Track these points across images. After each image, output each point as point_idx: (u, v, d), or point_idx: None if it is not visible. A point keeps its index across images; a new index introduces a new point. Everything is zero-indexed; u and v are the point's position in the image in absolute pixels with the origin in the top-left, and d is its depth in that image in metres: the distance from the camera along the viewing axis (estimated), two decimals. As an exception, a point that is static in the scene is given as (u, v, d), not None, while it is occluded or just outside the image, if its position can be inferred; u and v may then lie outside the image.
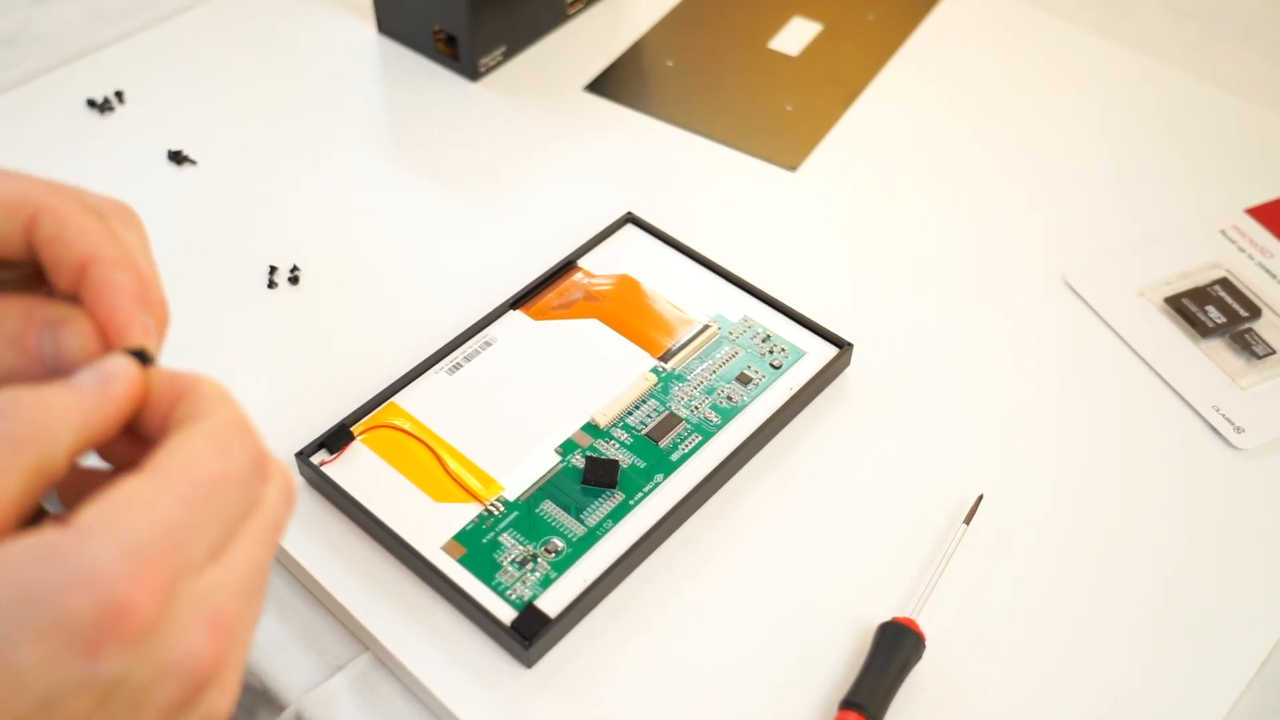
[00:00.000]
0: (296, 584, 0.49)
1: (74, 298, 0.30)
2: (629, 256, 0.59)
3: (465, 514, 0.48)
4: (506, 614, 0.45)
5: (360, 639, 0.47)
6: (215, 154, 0.65)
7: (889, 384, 0.55)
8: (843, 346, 0.55)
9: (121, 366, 0.28)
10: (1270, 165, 0.66)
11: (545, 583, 0.46)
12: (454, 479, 0.50)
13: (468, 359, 0.54)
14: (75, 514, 0.25)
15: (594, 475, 0.49)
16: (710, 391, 0.53)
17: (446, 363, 0.54)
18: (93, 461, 0.31)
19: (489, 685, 0.45)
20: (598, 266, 0.58)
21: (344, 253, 0.60)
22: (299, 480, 0.50)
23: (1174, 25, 0.76)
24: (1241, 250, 0.61)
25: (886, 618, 0.46)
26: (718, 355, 0.55)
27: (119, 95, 0.68)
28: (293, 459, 0.50)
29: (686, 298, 0.57)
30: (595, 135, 0.67)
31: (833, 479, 0.52)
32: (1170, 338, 0.57)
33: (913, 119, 0.69)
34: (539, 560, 0.47)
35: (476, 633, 0.46)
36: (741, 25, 0.75)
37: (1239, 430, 0.54)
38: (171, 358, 0.32)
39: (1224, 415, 0.54)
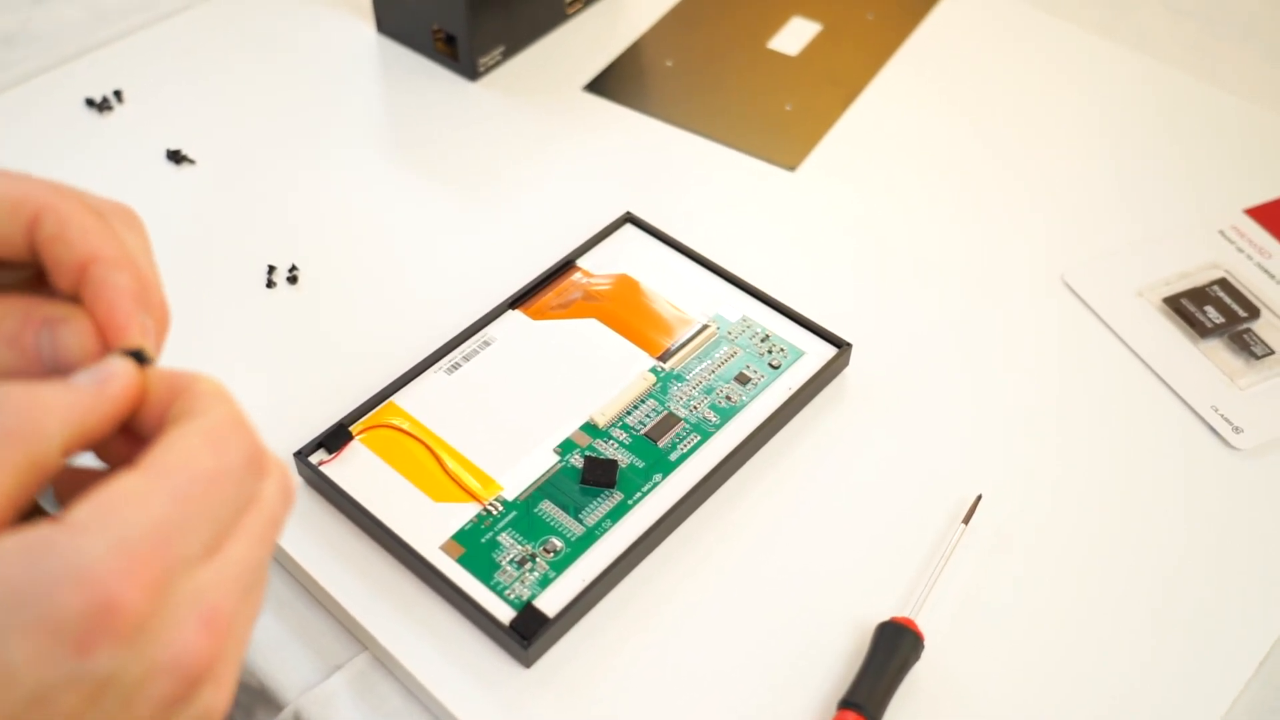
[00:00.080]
0: (295, 584, 0.49)
1: (75, 298, 0.30)
2: (628, 256, 0.59)
3: (464, 514, 0.48)
4: (505, 614, 0.45)
5: (359, 638, 0.47)
6: (214, 153, 0.65)
7: (888, 384, 0.55)
8: (841, 346, 0.55)
9: (118, 366, 0.28)
10: (1269, 166, 0.66)
11: (544, 582, 0.46)
12: (453, 479, 0.49)
13: (466, 359, 0.54)
14: (68, 510, 0.25)
15: (593, 475, 0.49)
16: (709, 391, 0.53)
17: (445, 362, 0.54)
18: (91, 462, 0.31)
19: (488, 685, 0.45)
20: (597, 266, 0.58)
21: (343, 252, 0.60)
22: (297, 480, 0.50)
23: (1174, 25, 0.76)
24: (1240, 250, 0.61)
25: (885, 617, 0.46)
26: (716, 355, 0.55)
27: (118, 95, 0.68)
28: (291, 458, 0.50)
29: (685, 297, 0.57)
30: (594, 135, 0.67)
31: (832, 479, 0.52)
32: (1169, 338, 0.57)
33: (912, 119, 0.69)
34: (538, 560, 0.47)
35: (475, 632, 0.46)
36: (741, 25, 0.75)
37: (1238, 430, 0.54)
38: (170, 357, 0.32)
39: (1223, 415, 0.54)
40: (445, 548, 0.47)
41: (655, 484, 0.50)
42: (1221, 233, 0.62)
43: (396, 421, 0.51)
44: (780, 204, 0.64)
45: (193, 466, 0.27)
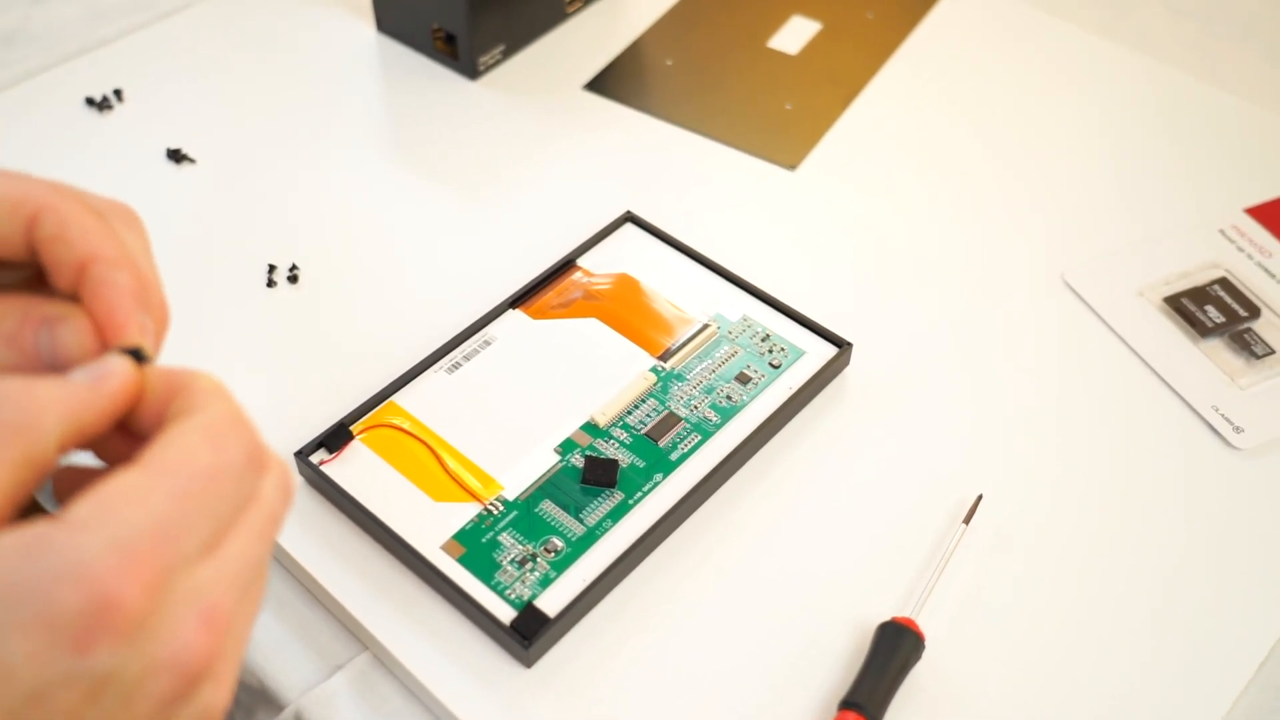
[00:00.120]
0: (296, 583, 0.49)
1: (74, 297, 0.30)
2: (628, 256, 0.59)
3: (464, 513, 0.48)
4: (506, 613, 0.45)
5: (359, 638, 0.47)
6: (214, 153, 0.65)
7: (888, 383, 0.55)
8: (842, 346, 0.55)
9: (116, 364, 0.28)
10: (1270, 165, 0.66)
11: (544, 582, 0.46)
12: (453, 478, 0.49)
13: (467, 358, 0.54)
14: (67, 508, 0.25)
15: (593, 475, 0.49)
16: (709, 391, 0.53)
17: (446, 362, 0.54)
18: (90, 461, 0.31)
19: (488, 685, 0.45)
20: (597, 266, 0.58)
21: (343, 252, 0.60)
22: (298, 479, 0.50)
23: (1174, 25, 0.76)
24: (1241, 250, 0.61)
25: (886, 617, 0.46)
26: (717, 354, 0.55)
27: (118, 93, 0.68)
28: (292, 458, 0.50)
29: (686, 297, 0.57)
30: (594, 134, 0.67)
31: (832, 478, 0.52)
32: (1169, 337, 0.57)
33: (912, 118, 0.69)
34: (538, 560, 0.47)
35: (476, 632, 0.46)
36: (741, 24, 0.75)
37: (1238, 430, 0.54)
38: (171, 356, 0.32)
39: (1223, 415, 0.54)
40: (446, 547, 0.47)
41: (656, 484, 0.50)
42: (1222, 232, 0.62)
43: (397, 421, 0.51)
44: (780, 203, 0.64)
45: (192, 463, 0.27)
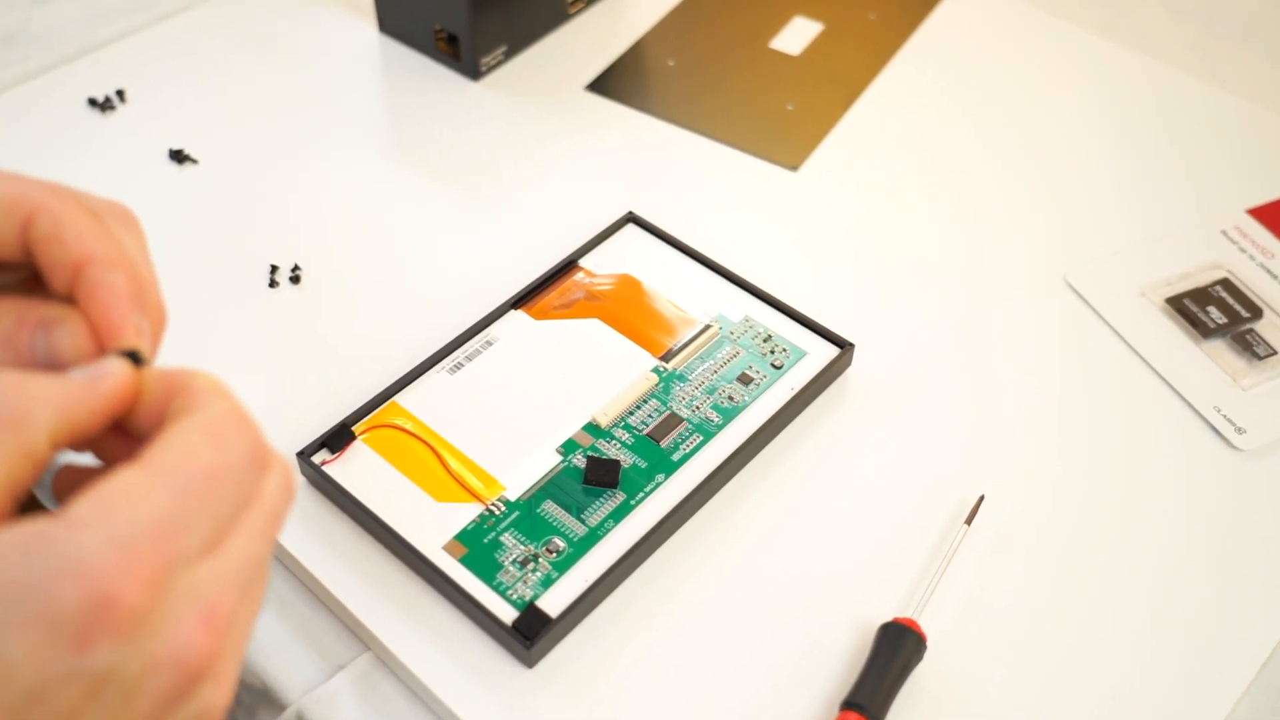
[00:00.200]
0: (298, 583, 0.49)
1: (70, 299, 0.30)
2: (630, 256, 0.59)
3: (466, 514, 0.48)
4: (508, 614, 0.45)
5: (361, 639, 0.47)
6: (216, 153, 0.65)
7: (890, 384, 0.55)
8: (844, 347, 0.55)
9: (113, 364, 0.28)
10: (1271, 166, 0.66)
11: (546, 583, 0.46)
12: (455, 479, 0.49)
13: (469, 359, 0.54)
14: (66, 505, 0.25)
15: (595, 475, 0.49)
16: (711, 391, 0.53)
17: (448, 362, 0.54)
18: (91, 461, 0.31)
19: (490, 685, 0.45)
20: (599, 266, 0.58)
21: (345, 252, 0.60)
22: (300, 479, 0.50)
23: (1174, 25, 0.76)
24: (1243, 251, 0.61)
25: (888, 618, 0.46)
26: (719, 355, 0.55)
27: (120, 94, 0.68)
28: (294, 458, 0.50)
29: (688, 297, 0.57)
30: (596, 135, 0.67)
31: (834, 479, 0.52)
32: (1171, 338, 0.57)
33: (914, 119, 0.69)
34: (540, 560, 0.47)
35: (478, 633, 0.46)
36: (742, 25, 0.75)
37: (1240, 431, 0.54)
38: (173, 357, 0.32)
39: (1225, 416, 0.54)
40: (448, 548, 0.47)
41: (658, 484, 0.50)
42: (1224, 233, 0.62)
43: (399, 421, 0.51)
44: (782, 204, 0.64)
45: (193, 462, 0.27)
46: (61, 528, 0.24)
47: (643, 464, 0.50)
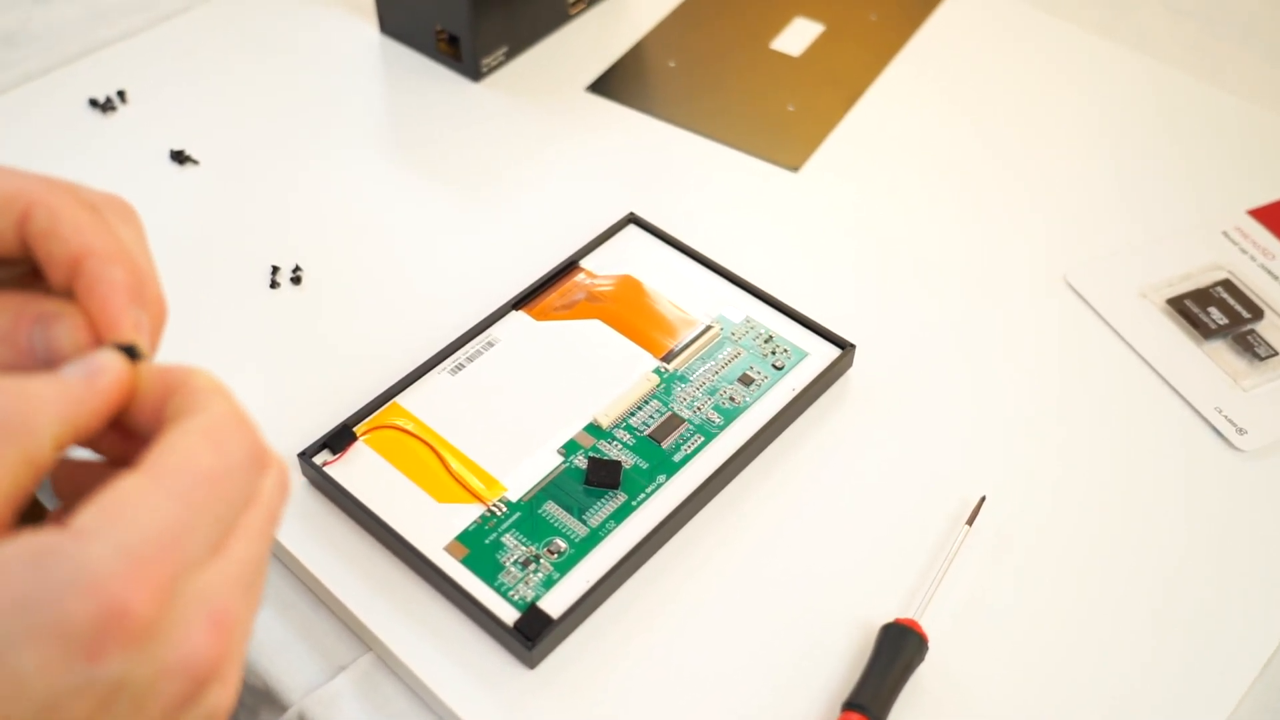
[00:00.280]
0: (299, 584, 0.49)
1: (69, 294, 0.30)
2: (631, 257, 0.59)
3: (468, 514, 0.48)
4: (509, 615, 0.45)
5: (363, 639, 0.47)
6: (218, 154, 0.65)
7: (891, 385, 0.55)
8: (845, 347, 0.55)
9: (108, 360, 0.28)
10: (1272, 166, 0.66)
11: (548, 583, 0.46)
12: (456, 479, 0.50)
13: (470, 359, 0.54)
14: (72, 515, 0.25)
15: (597, 476, 0.49)
16: (713, 392, 0.53)
17: (449, 363, 0.54)
18: (89, 455, 0.31)
19: (492, 686, 0.45)
20: (600, 267, 0.58)
21: (346, 253, 0.60)
22: (301, 480, 0.50)
23: (1174, 25, 0.76)
24: (1244, 251, 0.61)
25: (889, 619, 0.46)
26: (720, 356, 0.55)
27: (121, 95, 0.68)
28: (295, 459, 0.50)
29: (689, 298, 0.57)
30: (597, 135, 0.67)
31: (835, 480, 0.52)
32: (1172, 339, 0.57)
33: (914, 119, 0.69)
34: (541, 561, 0.47)
35: (479, 633, 0.46)
36: (743, 26, 0.75)
37: (1241, 432, 0.54)
38: (174, 357, 0.32)
39: (1226, 417, 0.54)
40: (449, 548, 0.47)
41: (659, 485, 0.50)
42: (1225, 234, 0.62)
43: (400, 422, 0.51)
44: (783, 205, 0.64)
45: (195, 467, 0.27)
46: (68, 539, 0.24)
47: (644, 465, 0.50)
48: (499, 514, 0.48)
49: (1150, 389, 0.56)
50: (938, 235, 0.62)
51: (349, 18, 0.74)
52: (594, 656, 0.46)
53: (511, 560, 0.47)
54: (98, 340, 0.29)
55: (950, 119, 0.69)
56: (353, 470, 0.50)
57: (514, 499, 0.49)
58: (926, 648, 0.45)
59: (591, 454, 0.51)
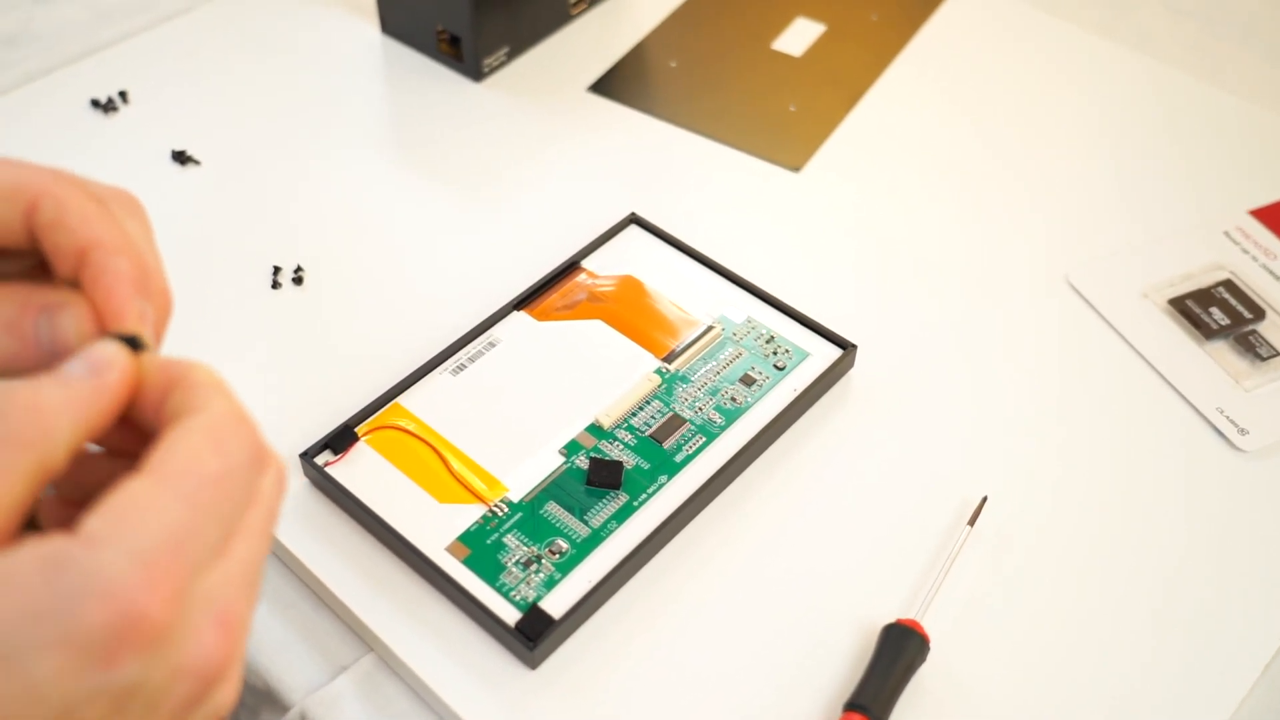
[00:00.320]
0: (300, 585, 0.49)
1: (75, 285, 0.30)
2: (632, 257, 0.59)
3: (469, 515, 0.48)
4: (511, 615, 0.45)
5: (364, 640, 0.47)
6: (219, 154, 0.65)
7: (893, 385, 0.55)
8: (846, 348, 0.55)
9: (113, 355, 0.28)
10: (1273, 167, 0.66)
11: (549, 584, 0.46)
12: (458, 480, 0.50)
13: (472, 360, 0.54)
14: (81, 521, 0.25)
15: (598, 476, 0.49)
16: (714, 393, 0.53)
17: (450, 364, 0.54)
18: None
19: (493, 686, 0.45)
20: (601, 267, 0.58)
21: (348, 253, 0.60)
22: (303, 481, 0.50)
23: (1175, 26, 0.76)
24: (1245, 252, 0.61)
25: (890, 619, 0.46)
26: (721, 356, 0.55)
27: (123, 95, 0.68)
28: (297, 459, 0.50)
29: (690, 299, 0.57)
30: (598, 136, 0.67)
31: (836, 480, 0.52)
32: (1174, 339, 0.57)
33: (915, 120, 0.69)
34: (543, 561, 0.47)
35: (481, 634, 0.46)
36: (745, 26, 0.75)
37: (1243, 432, 0.54)
38: (177, 357, 0.32)
39: (1228, 417, 0.54)
40: (451, 549, 0.47)
41: (660, 485, 0.50)
42: (1226, 234, 0.62)
43: (402, 423, 0.51)
44: (784, 205, 0.64)
45: (200, 469, 0.27)
46: (79, 546, 0.24)
47: (645, 465, 0.50)
48: (500, 514, 0.48)
49: (1152, 389, 0.56)
50: (939, 235, 0.62)
51: (350, 18, 0.74)
52: (595, 657, 0.46)
53: (513, 560, 0.47)
54: (102, 331, 0.29)
55: (951, 119, 0.69)
56: (354, 471, 0.50)
57: (515, 499, 0.49)
58: (928, 648, 0.45)
59: (593, 454, 0.51)
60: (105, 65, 0.70)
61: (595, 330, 0.55)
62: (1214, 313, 0.58)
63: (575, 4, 0.74)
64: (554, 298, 0.57)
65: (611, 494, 0.49)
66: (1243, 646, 0.47)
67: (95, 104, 0.67)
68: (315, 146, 0.66)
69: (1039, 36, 0.75)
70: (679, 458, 0.51)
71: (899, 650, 0.44)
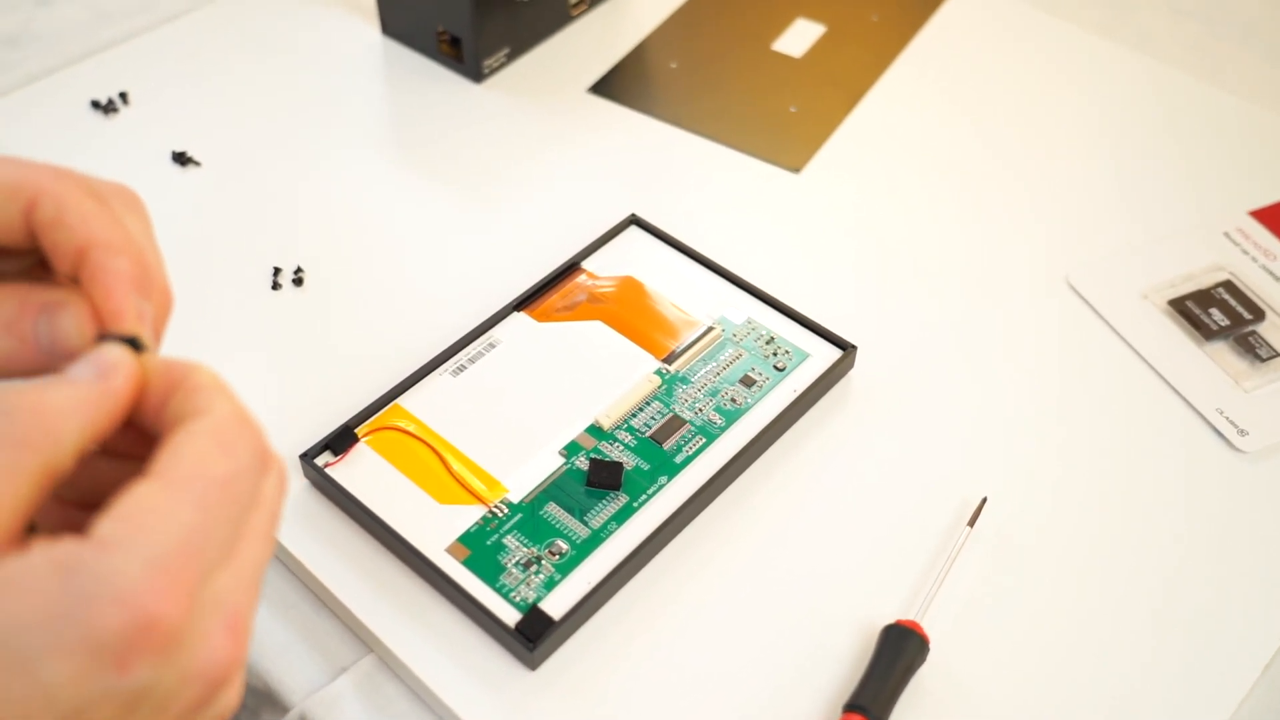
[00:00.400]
0: (301, 586, 0.49)
1: (75, 283, 0.30)
2: (632, 258, 0.59)
3: (469, 516, 0.48)
4: (511, 616, 0.45)
5: (364, 641, 0.47)
6: (219, 155, 0.65)
7: (893, 386, 0.55)
8: (846, 349, 0.55)
9: (119, 358, 0.28)
10: (1273, 167, 0.66)
11: (549, 585, 0.46)
12: (458, 481, 0.50)
13: (472, 361, 0.54)
14: (92, 525, 0.25)
15: (598, 477, 0.49)
16: (714, 394, 0.53)
17: (451, 364, 0.54)
18: None
19: (493, 687, 0.45)
20: (601, 268, 0.58)
21: (348, 254, 0.60)
22: (303, 481, 0.50)
23: (1175, 26, 0.76)
24: (1245, 253, 0.61)
25: (890, 620, 0.46)
26: (721, 357, 0.55)
27: (123, 96, 0.68)
28: (297, 460, 0.50)
29: (690, 300, 0.57)
30: (599, 137, 0.67)
31: (836, 481, 0.52)
32: (1174, 340, 0.57)
33: (916, 120, 0.69)
34: (543, 562, 0.47)
35: (481, 635, 0.46)
36: (745, 27, 0.75)
37: (1243, 433, 0.54)
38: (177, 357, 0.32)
39: (1228, 418, 0.54)
40: (451, 550, 0.47)
41: (660, 486, 0.50)
42: (1226, 235, 0.62)
43: (402, 424, 0.51)
44: (785, 206, 0.64)
45: (208, 472, 0.27)
46: (91, 550, 0.24)
47: (645, 466, 0.50)
48: (500, 515, 0.48)
49: (1151, 390, 0.56)
50: (939, 236, 0.62)
51: (351, 19, 0.74)
52: (595, 658, 0.46)
53: (513, 562, 0.47)
54: (102, 330, 0.29)
55: (951, 120, 0.69)
56: (354, 472, 0.50)
57: (515, 500, 0.49)
58: (928, 649, 0.45)
59: (593, 455, 0.51)
60: (106, 66, 0.70)
61: (595, 331, 0.55)
62: (1214, 313, 0.58)
63: (575, 5, 0.74)
64: (554, 299, 0.57)
65: (611, 495, 0.49)
66: (1243, 646, 0.47)
67: (96, 105, 0.67)
68: (316, 148, 0.66)
69: (1039, 37, 0.75)
70: (679, 459, 0.51)
71: (899, 651, 0.44)
